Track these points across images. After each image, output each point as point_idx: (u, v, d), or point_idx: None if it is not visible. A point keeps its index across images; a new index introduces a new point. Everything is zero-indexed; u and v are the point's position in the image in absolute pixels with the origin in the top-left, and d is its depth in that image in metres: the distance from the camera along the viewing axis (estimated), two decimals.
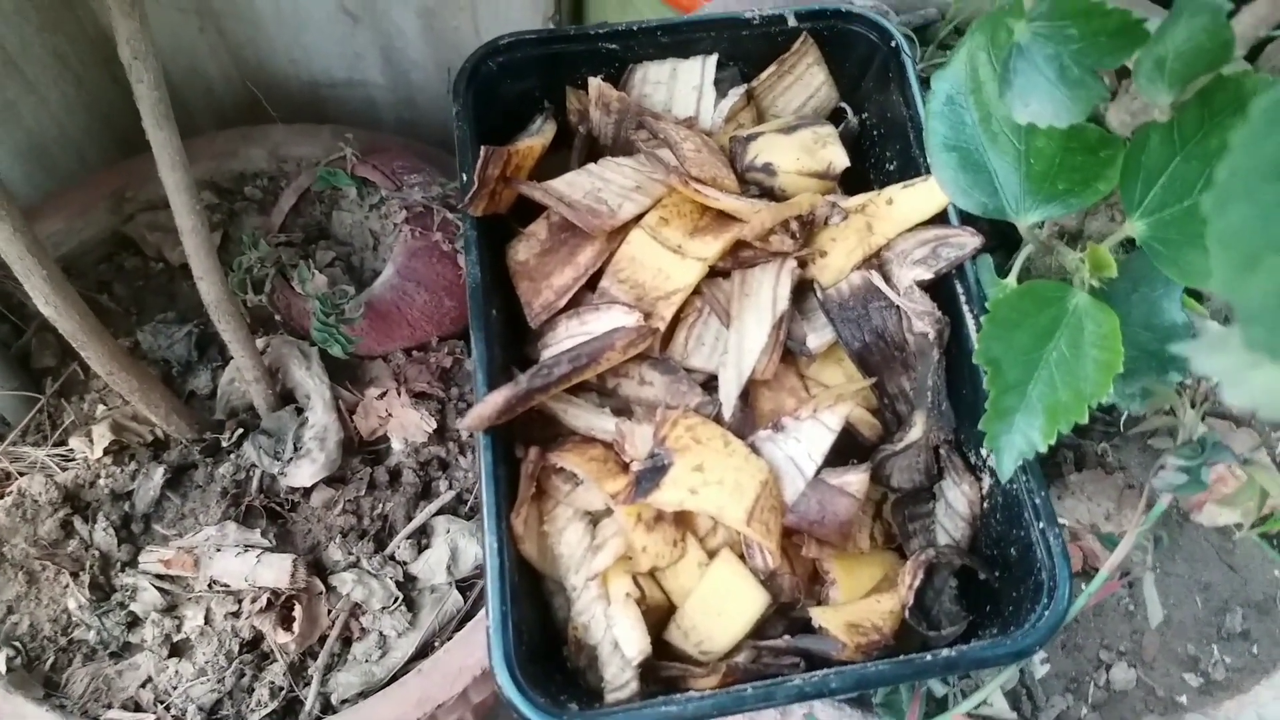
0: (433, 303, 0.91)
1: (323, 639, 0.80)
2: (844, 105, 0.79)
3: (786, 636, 0.62)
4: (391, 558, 0.83)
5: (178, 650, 0.80)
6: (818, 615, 0.60)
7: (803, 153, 0.72)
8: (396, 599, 0.81)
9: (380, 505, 0.85)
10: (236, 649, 0.79)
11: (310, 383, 0.87)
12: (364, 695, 0.77)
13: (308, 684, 0.78)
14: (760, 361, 0.64)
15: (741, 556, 0.63)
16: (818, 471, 0.62)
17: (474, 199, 0.67)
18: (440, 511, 0.85)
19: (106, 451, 0.85)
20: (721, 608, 0.62)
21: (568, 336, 0.67)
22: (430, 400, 0.90)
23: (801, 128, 0.74)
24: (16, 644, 0.79)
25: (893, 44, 0.74)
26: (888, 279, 0.67)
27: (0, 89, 0.93)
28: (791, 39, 0.76)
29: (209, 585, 0.80)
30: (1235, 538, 0.75)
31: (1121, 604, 0.75)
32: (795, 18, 0.76)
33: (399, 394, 0.89)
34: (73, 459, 0.86)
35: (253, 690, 0.78)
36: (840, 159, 0.72)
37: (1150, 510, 0.63)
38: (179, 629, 0.80)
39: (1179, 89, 0.50)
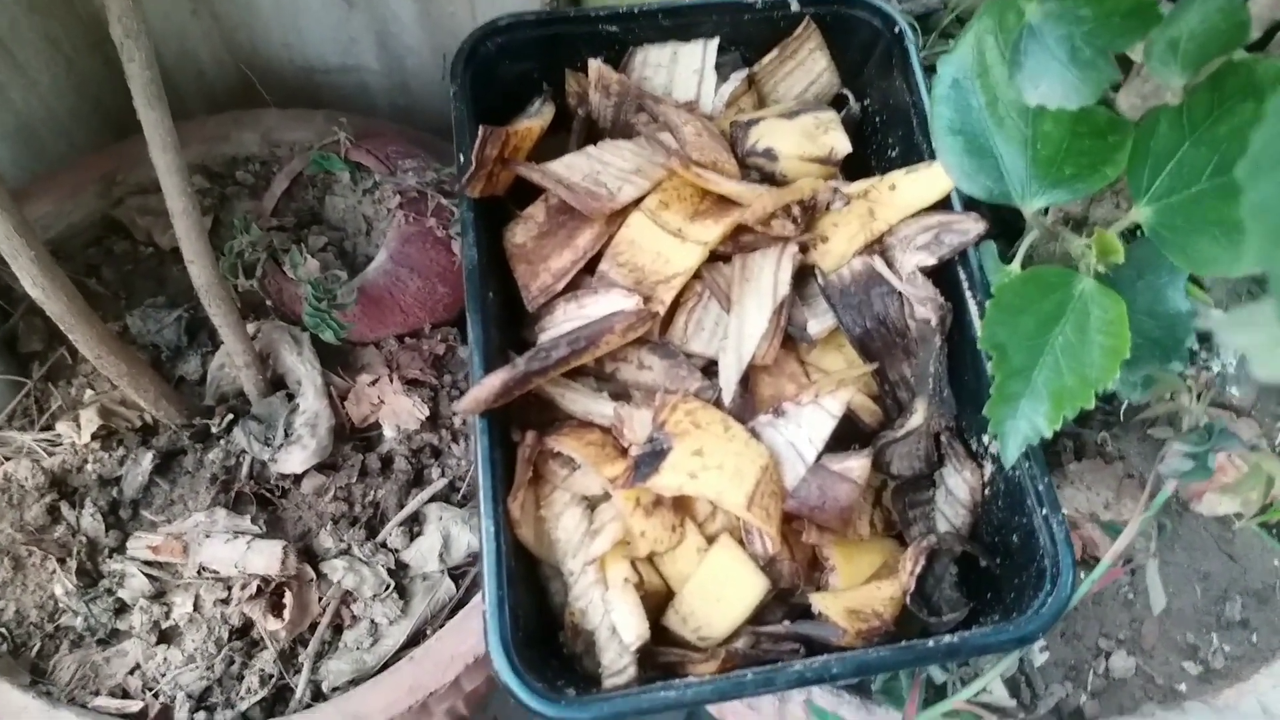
0: (426, 289, 0.90)
1: (313, 626, 0.79)
2: (846, 91, 0.78)
3: (786, 622, 0.62)
4: (383, 545, 0.82)
5: (166, 637, 0.79)
6: (818, 601, 0.60)
7: (804, 138, 0.72)
8: (388, 586, 0.80)
9: (372, 492, 0.84)
10: (226, 636, 0.78)
11: (301, 368, 0.86)
12: (355, 683, 0.76)
13: (298, 671, 0.77)
14: (761, 346, 0.64)
15: (741, 542, 0.63)
16: (818, 457, 0.62)
17: (471, 180, 0.66)
18: (432, 499, 0.84)
19: (94, 436, 0.84)
20: (720, 593, 0.62)
21: (565, 320, 0.66)
22: (423, 387, 0.89)
23: (803, 113, 0.73)
24: (2, 630, 0.77)
25: (896, 30, 0.73)
26: (890, 265, 0.67)
27: None
28: (794, 24, 0.76)
29: (198, 572, 0.79)
30: (1235, 527, 0.74)
31: (1121, 592, 0.74)
32: (798, 2, 0.75)
33: (391, 380, 0.88)
34: (60, 444, 0.85)
35: (242, 677, 0.77)
36: (842, 144, 0.72)
37: (1155, 497, 0.62)
38: (167, 616, 0.79)
39: (1192, 71, 0.49)
